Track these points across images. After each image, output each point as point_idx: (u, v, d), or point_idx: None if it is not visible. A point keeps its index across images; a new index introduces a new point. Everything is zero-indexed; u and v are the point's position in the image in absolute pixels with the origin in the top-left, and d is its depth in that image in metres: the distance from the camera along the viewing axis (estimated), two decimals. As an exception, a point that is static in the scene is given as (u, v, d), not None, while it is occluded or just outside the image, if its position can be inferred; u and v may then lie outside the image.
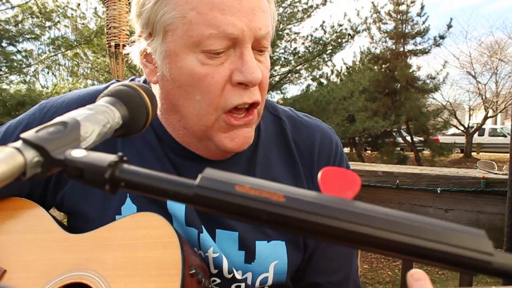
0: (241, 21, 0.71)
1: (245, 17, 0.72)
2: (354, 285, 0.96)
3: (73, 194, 0.87)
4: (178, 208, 0.84)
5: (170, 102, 0.81)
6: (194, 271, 0.75)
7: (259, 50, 0.78)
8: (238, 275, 0.84)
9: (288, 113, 0.98)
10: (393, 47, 17.42)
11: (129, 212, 0.83)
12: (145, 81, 0.94)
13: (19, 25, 9.21)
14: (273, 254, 0.86)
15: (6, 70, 9.20)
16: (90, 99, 0.87)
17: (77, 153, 0.40)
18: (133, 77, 0.99)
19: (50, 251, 0.81)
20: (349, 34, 11.23)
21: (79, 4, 10.08)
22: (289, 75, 11.35)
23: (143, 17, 0.77)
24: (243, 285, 0.85)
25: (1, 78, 9.39)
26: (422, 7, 17.02)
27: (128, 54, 0.87)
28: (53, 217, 0.86)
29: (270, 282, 0.87)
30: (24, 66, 9.65)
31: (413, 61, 18.86)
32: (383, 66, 17.09)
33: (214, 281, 0.85)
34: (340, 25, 11.25)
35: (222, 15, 0.70)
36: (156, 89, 0.85)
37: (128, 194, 0.85)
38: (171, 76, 0.77)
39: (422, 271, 0.50)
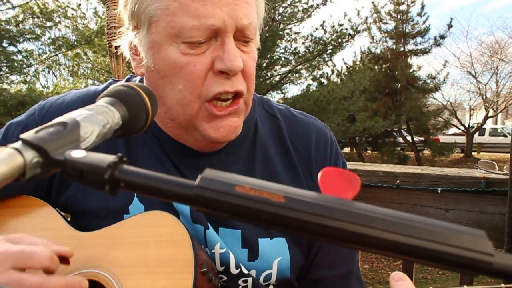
0: (222, 11, 0.73)
1: (226, 7, 0.73)
2: (356, 277, 0.97)
3: (78, 195, 0.87)
4: (184, 206, 0.84)
5: (156, 94, 0.82)
6: (205, 269, 0.75)
7: (243, 41, 0.78)
8: (244, 270, 0.85)
9: (283, 111, 0.98)
10: (394, 47, 17.41)
11: (137, 212, 0.83)
12: (141, 80, 0.94)
13: (20, 25, 9.22)
14: (276, 251, 0.87)
15: (7, 70, 9.21)
16: (89, 99, 0.87)
17: (77, 154, 0.40)
18: (129, 76, 0.99)
19: None
20: (349, 34, 11.21)
21: (79, 4, 10.09)
22: (289, 75, 11.34)
23: (128, 9, 0.79)
24: (250, 279, 0.86)
25: (2, 78, 9.40)
26: (423, 7, 17.03)
27: (119, 47, 0.88)
28: (61, 215, 0.86)
29: (274, 278, 0.87)
30: (24, 66, 9.66)
31: (414, 61, 18.85)
32: (384, 66, 17.08)
33: (221, 278, 0.86)
34: (341, 25, 11.24)
35: (203, 6, 0.72)
36: (144, 82, 0.86)
37: (135, 194, 0.85)
38: (155, 67, 0.78)
39: (401, 273, 0.57)
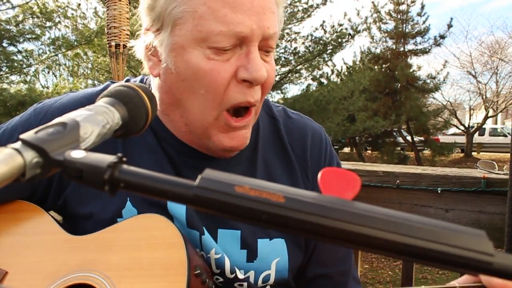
0: (251, 19, 0.72)
1: (255, 16, 0.73)
2: (353, 278, 0.98)
3: (73, 197, 0.86)
4: (179, 210, 0.84)
5: (173, 96, 0.81)
6: (199, 271, 0.75)
7: (265, 51, 0.78)
8: (240, 275, 0.85)
9: (281, 112, 0.99)
10: (394, 46, 17.41)
11: (130, 215, 0.83)
12: (141, 81, 0.94)
13: (20, 25, 9.22)
14: (275, 252, 0.87)
15: (7, 70, 9.22)
16: (86, 101, 0.87)
17: (77, 154, 0.40)
18: (128, 77, 0.99)
19: (52, 252, 0.81)
20: (349, 34, 11.23)
21: (79, 4, 10.09)
22: (289, 74, 11.36)
23: (156, 11, 0.77)
24: (245, 284, 0.86)
25: (2, 78, 9.40)
26: (422, 7, 17.04)
27: (132, 48, 0.86)
28: (54, 219, 0.85)
29: (272, 279, 0.87)
30: (24, 66, 9.66)
31: (414, 60, 18.85)
32: (384, 65, 17.09)
33: (217, 279, 0.86)
34: (340, 25, 11.26)
35: (233, 12, 0.71)
36: (156, 83, 0.85)
37: (128, 198, 0.84)
38: (176, 69, 0.77)
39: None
